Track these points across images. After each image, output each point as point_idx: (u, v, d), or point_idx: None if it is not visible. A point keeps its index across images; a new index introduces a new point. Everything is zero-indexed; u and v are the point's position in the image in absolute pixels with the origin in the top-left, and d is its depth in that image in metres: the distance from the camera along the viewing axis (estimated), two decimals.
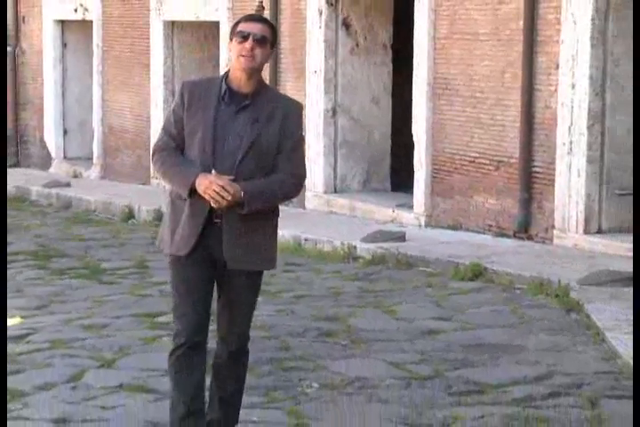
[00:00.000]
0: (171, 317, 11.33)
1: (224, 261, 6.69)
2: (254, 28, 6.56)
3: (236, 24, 6.68)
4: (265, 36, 6.59)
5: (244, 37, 6.54)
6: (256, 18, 6.88)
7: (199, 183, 6.43)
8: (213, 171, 6.48)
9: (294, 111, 6.87)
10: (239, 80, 6.68)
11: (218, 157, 6.60)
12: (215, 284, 6.92)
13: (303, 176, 6.94)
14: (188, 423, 6.75)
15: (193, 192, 6.50)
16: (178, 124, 6.73)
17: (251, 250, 6.72)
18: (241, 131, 6.65)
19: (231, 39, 6.65)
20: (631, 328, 10.67)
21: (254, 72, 6.68)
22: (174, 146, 6.75)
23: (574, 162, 14.88)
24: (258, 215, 6.65)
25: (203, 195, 6.43)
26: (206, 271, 6.78)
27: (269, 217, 6.84)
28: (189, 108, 6.69)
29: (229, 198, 6.39)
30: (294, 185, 6.83)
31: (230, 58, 6.82)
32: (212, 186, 6.38)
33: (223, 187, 6.37)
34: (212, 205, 6.48)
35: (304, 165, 6.98)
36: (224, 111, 6.67)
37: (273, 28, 6.78)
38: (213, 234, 6.67)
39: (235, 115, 6.67)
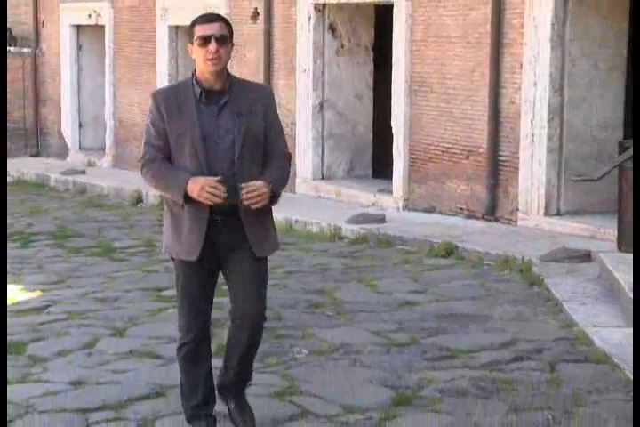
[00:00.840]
0: (174, 291, 11.47)
1: (240, 249, 6.39)
2: (213, 29, 6.17)
3: (192, 26, 6.26)
4: (225, 35, 6.21)
5: (206, 40, 6.15)
6: (211, 18, 6.34)
7: (191, 190, 6.09)
8: (220, 177, 6.11)
9: (270, 97, 6.58)
10: (209, 80, 6.31)
11: (212, 157, 6.26)
12: (222, 272, 6.65)
13: (290, 155, 6.70)
14: (202, 410, 6.66)
15: (188, 198, 6.17)
16: (161, 135, 6.32)
17: (267, 236, 6.52)
18: (228, 126, 6.28)
19: (191, 42, 6.27)
20: (586, 299, 10.73)
21: (222, 72, 6.33)
22: (161, 157, 6.36)
23: (536, 152, 14.90)
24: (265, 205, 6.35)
25: (197, 198, 6.11)
26: (211, 272, 6.57)
27: (269, 204, 6.45)
28: (169, 116, 6.26)
29: (222, 196, 6.06)
30: (288, 164, 6.61)
31: (194, 60, 6.34)
32: (204, 189, 6.05)
33: (214, 186, 6.05)
34: (209, 204, 6.17)
35: (286, 144, 6.74)
36: (205, 112, 6.28)
37: (227, 22, 6.34)
38: (221, 230, 6.35)
39: (217, 113, 6.29)
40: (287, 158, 6.62)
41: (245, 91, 6.39)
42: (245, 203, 6.13)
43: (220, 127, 6.25)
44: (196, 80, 6.30)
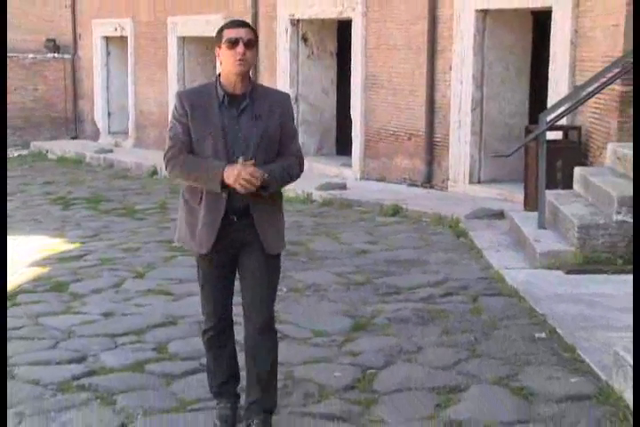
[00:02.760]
0: None
1: (251, 246, 5.44)
2: (241, 33, 5.24)
3: (221, 30, 5.33)
4: (252, 39, 5.28)
5: (234, 43, 5.21)
6: (239, 23, 5.41)
7: (227, 176, 5.11)
8: (241, 158, 5.17)
9: (287, 103, 5.56)
10: (233, 83, 5.32)
11: (231, 157, 5.26)
12: (237, 268, 5.62)
13: (302, 158, 5.59)
14: (227, 388, 5.74)
15: (224, 187, 5.20)
16: (185, 131, 5.35)
17: (277, 234, 5.56)
18: (247, 129, 5.31)
19: (219, 46, 5.32)
20: (499, 247, 10.72)
21: (246, 75, 5.36)
22: (188, 150, 5.38)
23: (462, 134, 14.94)
24: (274, 202, 5.50)
25: (233, 185, 5.12)
26: (228, 263, 5.53)
27: (278, 200, 5.60)
28: (193, 116, 5.33)
29: (258, 184, 5.14)
30: (299, 166, 5.52)
31: (220, 63, 5.40)
32: (240, 175, 5.08)
33: (251, 173, 5.10)
34: (240, 191, 5.18)
35: (300, 148, 5.68)
36: (227, 115, 5.31)
37: (254, 29, 5.43)
38: (234, 227, 5.37)
39: (237, 116, 5.32)
40: (298, 159, 5.56)
41: (265, 95, 5.45)
42: (237, 186, 5.16)
43: (239, 129, 5.32)
44: (219, 84, 5.37)
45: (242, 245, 5.47)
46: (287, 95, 5.69)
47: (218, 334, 5.66)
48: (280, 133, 5.45)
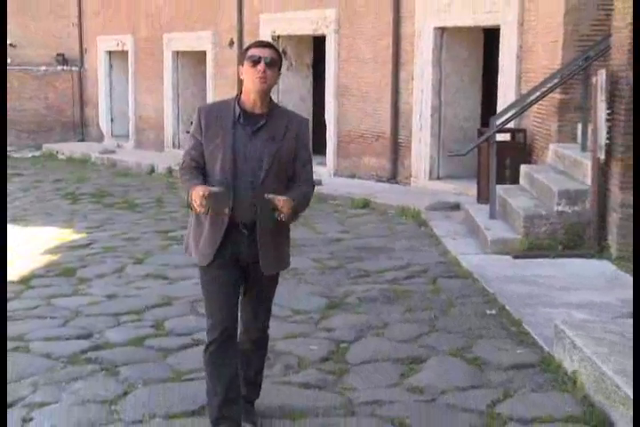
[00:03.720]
0: (178, 233, 11.42)
1: (253, 266, 4.85)
2: (264, 53, 4.76)
3: (247, 50, 4.85)
4: (274, 60, 4.77)
5: (256, 61, 4.72)
6: (265, 44, 4.92)
7: (190, 195, 4.63)
8: (215, 188, 4.62)
9: (304, 127, 4.96)
10: (252, 102, 4.78)
11: (238, 174, 4.72)
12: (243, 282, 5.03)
13: (314, 185, 5.12)
14: (226, 410, 4.86)
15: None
16: (197, 147, 4.81)
17: (278, 255, 4.97)
18: (260, 150, 4.74)
19: (242, 64, 4.81)
20: (456, 235, 10.74)
21: (266, 93, 4.80)
22: (194, 166, 4.80)
23: (422, 136, 14.94)
24: (282, 225, 4.88)
25: (198, 207, 4.61)
26: (233, 275, 4.89)
27: (286, 225, 4.99)
28: (207, 131, 4.79)
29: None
30: (312, 191, 5.03)
31: (243, 81, 4.84)
32: (191, 198, 4.60)
33: (201, 196, 4.52)
34: (195, 212, 4.72)
35: (312, 174, 5.09)
36: (241, 133, 4.76)
37: (279, 52, 4.89)
38: (241, 242, 4.80)
39: (252, 135, 4.76)
40: (311, 185, 5.05)
41: (282, 118, 4.87)
42: (281, 213, 4.67)
43: (251, 149, 4.74)
44: (238, 102, 4.82)
45: (247, 262, 4.86)
46: (306, 120, 5.05)
47: (222, 344, 4.86)
48: (294, 158, 4.88)
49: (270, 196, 4.60)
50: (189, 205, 4.70)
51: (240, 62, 4.86)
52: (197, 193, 4.56)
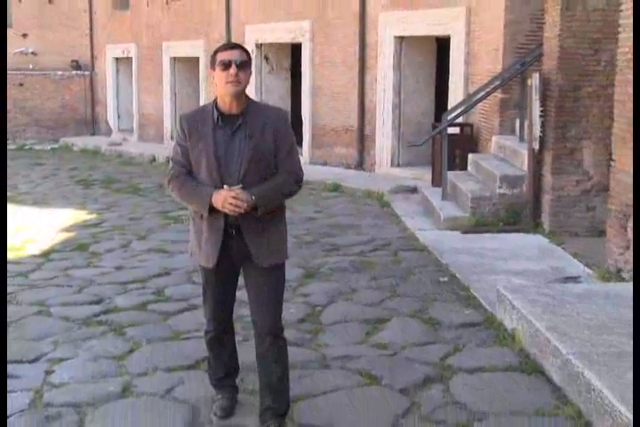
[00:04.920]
0: (176, 213, 11.38)
1: (251, 261, 4.30)
2: (234, 55, 4.18)
3: (215, 53, 4.26)
4: (245, 61, 4.22)
5: (227, 65, 4.15)
6: (232, 45, 4.33)
7: (215, 201, 4.10)
8: (225, 186, 4.14)
9: (282, 119, 4.36)
10: (228, 104, 4.23)
11: (224, 176, 4.18)
12: (243, 278, 4.48)
13: (300, 174, 4.38)
14: (226, 381, 4.68)
15: (212, 209, 4.17)
16: (184, 154, 4.29)
17: (271, 246, 4.32)
18: (240, 148, 4.20)
19: (213, 68, 4.23)
20: (414, 214, 10.72)
21: (241, 94, 4.24)
22: (185, 172, 4.30)
23: (385, 129, 14.89)
24: (272, 217, 4.32)
25: (222, 209, 4.12)
26: (231, 275, 4.45)
27: (278, 213, 4.39)
28: (190, 138, 4.26)
29: (244, 206, 4.10)
30: (295, 182, 4.34)
31: (216, 85, 4.27)
32: (227, 200, 4.07)
33: (236, 197, 4.07)
34: (230, 214, 4.16)
35: (299, 164, 4.43)
36: (221, 135, 4.22)
37: (246, 50, 4.32)
38: (232, 242, 4.27)
39: (231, 135, 4.22)
40: (293, 175, 4.35)
41: (259, 114, 4.29)
42: (225, 211, 4.16)
43: (232, 148, 4.22)
44: (216, 106, 4.27)
45: (242, 258, 4.33)
46: (283, 112, 4.46)
47: (217, 336, 4.60)
48: (275, 151, 4.27)
49: (226, 187, 4.12)
50: (210, 212, 4.19)
51: (211, 67, 4.26)
52: (226, 196, 4.09)
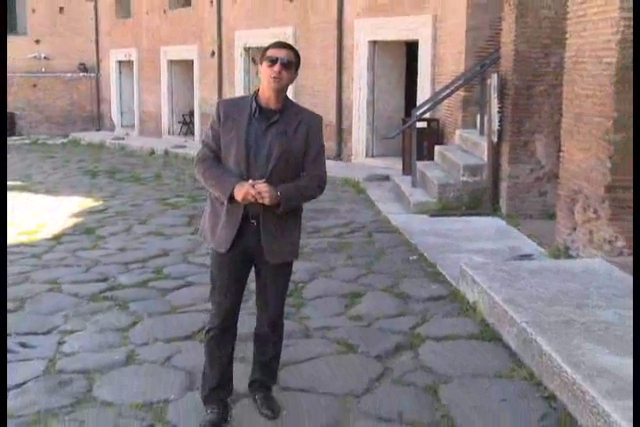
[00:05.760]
0: (173, 200, 11.34)
1: (262, 255, 3.95)
2: (281, 54, 3.89)
3: (266, 50, 3.95)
4: (291, 61, 3.89)
5: (273, 62, 3.86)
6: (283, 44, 3.99)
7: (236, 193, 3.75)
8: (250, 180, 3.77)
9: (316, 124, 4.03)
10: (268, 99, 3.91)
11: (251, 167, 3.85)
12: (253, 270, 4.13)
13: (324, 178, 4.08)
14: (217, 393, 4.09)
15: (231, 199, 3.82)
16: (215, 138, 3.94)
17: (284, 244, 3.99)
18: (271, 143, 3.86)
19: (261, 63, 3.94)
20: (386, 200, 10.74)
21: (281, 91, 3.92)
22: (213, 156, 3.95)
23: (361, 124, 14.91)
24: (289, 216, 3.99)
25: (241, 201, 3.79)
26: (242, 265, 4.02)
27: (296, 214, 4.08)
28: (225, 124, 3.91)
29: (267, 201, 3.75)
30: (318, 186, 4.04)
31: (260, 79, 3.98)
32: (248, 194, 3.73)
33: (260, 191, 3.73)
34: (250, 201, 3.80)
35: (325, 168, 4.09)
36: (255, 127, 3.89)
37: (297, 54, 3.99)
38: (250, 233, 3.91)
39: (265, 129, 3.88)
40: (318, 180, 4.04)
41: (296, 115, 3.97)
42: (245, 202, 3.83)
43: (263, 142, 3.87)
44: (256, 98, 3.95)
45: (253, 251, 3.97)
46: (319, 117, 4.10)
47: (219, 333, 4.06)
48: (304, 152, 3.96)
49: (251, 182, 3.78)
50: (229, 201, 3.84)
51: (260, 61, 3.96)
52: (248, 191, 3.75)
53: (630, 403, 3.67)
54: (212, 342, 4.08)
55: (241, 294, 4.09)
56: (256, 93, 3.99)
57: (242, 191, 3.77)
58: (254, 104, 3.94)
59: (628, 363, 4.13)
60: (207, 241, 4.06)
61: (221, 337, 4.06)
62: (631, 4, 5.97)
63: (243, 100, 4.03)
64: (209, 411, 4.07)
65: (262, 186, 3.75)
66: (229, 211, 3.91)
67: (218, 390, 4.09)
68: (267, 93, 3.92)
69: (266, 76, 3.90)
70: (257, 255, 3.98)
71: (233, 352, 4.15)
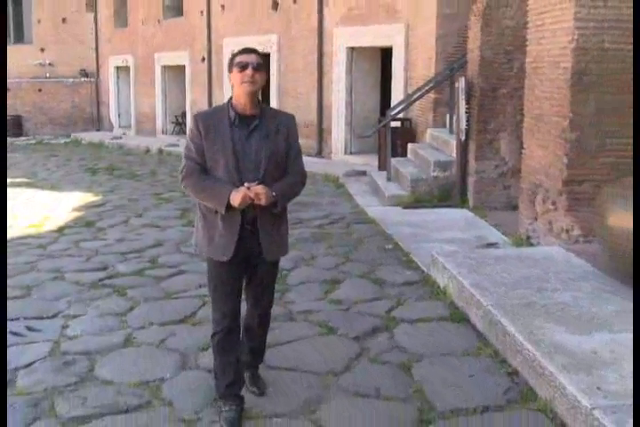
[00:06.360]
0: (167, 194, 11.29)
1: (260, 255, 3.80)
2: (251, 58, 3.72)
3: (234, 57, 3.77)
4: (260, 64, 3.73)
5: (244, 67, 3.68)
6: (250, 50, 3.83)
7: (233, 200, 3.58)
8: (246, 183, 3.61)
9: (293, 123, 3.90)
10: (244, 105, 3.73)
11: (243, 171, 3.68)
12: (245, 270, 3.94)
13: (305, 173, 3.99)
14: (233, 389, 3.88)
15: (229, 207, 3.64)
16: (199, 151, 3.72)
17: (279, 242, 3.87)
18: (257, 148, 3.70)
19: (230, 71, 3.75)
20: (363, 193, 10.72)
21: (255, 95, 3.77)
22: (199, 169, 3.72)
23: (340, 124, 14.87)
24: (279, 214, 3.83)
25: (238, 207, 3.62)
26: (239, 270, 3.84)
27: (284, 211, 3.90)
28: (207, 136, 3.70)
29: (263, 202, 3.61)
30: (302, 182, 3.95)
31: (232, 86, 3.78)
32: (246, 197, 3.57)
33: (257, 193, 3.58)
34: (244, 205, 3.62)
35: (303, 164, 3.98)
36: (238, 134, 3.71)
37: (262, 56, 3.84)
38: (247, 236, 3.74)
39: (248, 135, 3.71)
40: (302, 176, 3.95)
41: (273, 117, 3.84)
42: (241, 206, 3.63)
43: (248, 148, 3.70)
44: (231, 106, 3.76)
45: (252, 253, 3.81)
46: (293, 117, 3.98)
47: (226, 335, 3.84)
48: (286, 152, 3.83)
49: (247, 184, 3.61)
50: (227, 209, 3.63)
51: (229, 70, 3.76)
52: (246, 195, 3.58)
53: (584, 376, 3.70)
54: (220, 346, 3.86)
55: (240, 296, 3.91)
56: (230, 102, 3.79)
57: (239, 196, 3.59)
58: (232, 113, 3.75)
59: (583, 340, 4.17)
60: (204, 253, 3.83)
61: (228, 339, 3.85)
62: (584, 15, 5.99)
63: (218, 111, 3.82)
64: (226, 408, 3.87)
65: (258, 188, 3.60)
66: (226, 219, 3.71)
67: (233, 386, 3.91)
68: (242, 100, 3.74)
69: (238, 82, 3.72)
70: (254, 256, 3.82)
71: (239, 349, 3.94)
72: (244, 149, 3.71)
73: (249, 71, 3.68)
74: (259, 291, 3.98)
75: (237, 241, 3.73)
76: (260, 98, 3.83)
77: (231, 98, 3.80)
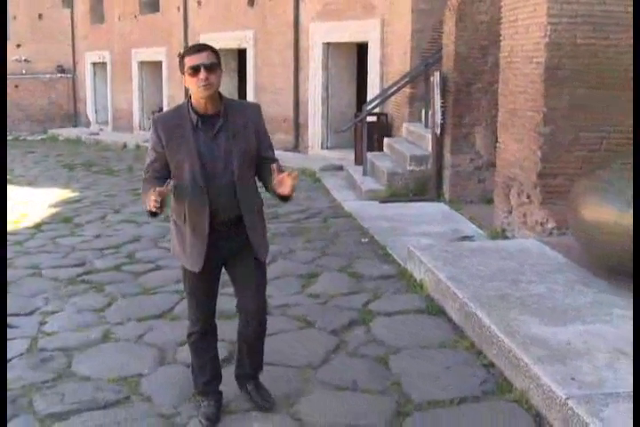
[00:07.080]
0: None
1: (240, 254, 3.59)
2: (201, 59, 3.38)
3: (182, 58, 3.44)
4: (213, 62, 3.41)
5: (195, 70, 3.36)
6: (198, 48, 3.48)
7: (143, 201, 3.41)
8: (157, 188, 3.23)
9: (259, 114, 3.59)
10: (204, 105, 3.43)
11: (210, 178, 3.43)
12: (227, 273, 3.71)
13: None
14: (211, 386, 3.80)
15: (153, 214, 3.33)
16: (160, 159, 3.47)
17: (263, 241, 3.67)
18: (226, 148, 3.44)
19: (183, 73, 3.42)
20: (340, 188, 10.70)
21: (214, 96, 3.44)
22: (157, 176, 3.46)
23: (316, 119, 14.81)
24: (259, 210, 3.74)
25: (149, 208, 3.28)
26: (213, 277, 3.65)
27: (261, 210, 3.79)
28: (169, 142, 3.43)
29: (158, 205, 3.24)
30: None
31: (189, 88, 3.43)
32: (151, 200, 3.23)
33: (159, 194, 3.21)
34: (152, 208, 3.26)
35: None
36: (202, 137, 3.43)
37: (214, 50, 3.50)
38: (223, 238, 3.53)
39: (214, 137, 3.44)
40: (277, 163, 3.61)
41: (237, 111, 3.51)
42: (289, 187, 3.54)
43: (217, 149, 3.43)
44: (191, 107, 3.46)
45: (231, 254, 3.61)
46: (257, 106, 3.69)
47: (202, 335, 3.76)
48: (257, 144, 3.58)
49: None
50: (150, 212, 3.33)
51: (181, 71, 3.44)
52: (150, 196, 3.27)
53: (559, 367, 3.71)
54: (196, 346, 3.79)
55: (216, 297, 3.77)
56: (190, 102, 3.48)
57: (148, 198, 3.28)
58: (193, 115, 3.45)
59: (557, 331, 4.18)
60: (180, 260, 3.66)
61: (204, 339, 3.78)
62: (557, 11, 6.01)
63: (179, 113, 3.51)
64: (205, 404, 3.81)
65: (295, 174, 3.45)
66: (192, 228, 3.51)
67: (211, 383, 3.85)
68: (201, 102, 3.45)
69: (194, 86, 3.40)
70: (235, 255, 3.61)
71: (217, 348, 3.87)
72: (212, 152, 3.45)
73: (202, 75, 3.37)
74: (248, 292, 3.67)
75: (208, 249, 3.51)
76: (220, 93, 3.52)
77: (190, 98, 3.51)
